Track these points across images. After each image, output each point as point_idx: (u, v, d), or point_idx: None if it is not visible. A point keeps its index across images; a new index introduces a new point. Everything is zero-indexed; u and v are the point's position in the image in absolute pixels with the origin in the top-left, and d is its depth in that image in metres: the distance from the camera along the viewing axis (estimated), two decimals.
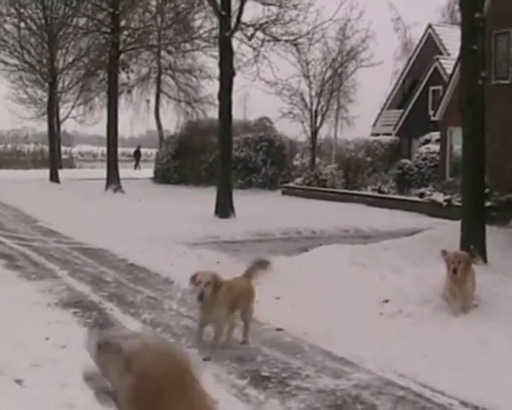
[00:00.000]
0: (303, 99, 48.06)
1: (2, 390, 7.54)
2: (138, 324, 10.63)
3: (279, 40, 27.24)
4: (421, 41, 50.05)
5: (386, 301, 11.37)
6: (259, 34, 26.46)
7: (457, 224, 14.96)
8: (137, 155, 71.91)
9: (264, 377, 8.34)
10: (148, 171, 52.44)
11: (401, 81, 52.25)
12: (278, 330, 10.28)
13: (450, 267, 10.37)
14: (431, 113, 37.57)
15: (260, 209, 26.29)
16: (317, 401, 7.60)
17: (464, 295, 10.56)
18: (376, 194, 32.86)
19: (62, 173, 47.31)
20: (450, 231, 15.82)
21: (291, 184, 39.01)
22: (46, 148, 56.54)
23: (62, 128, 65.93)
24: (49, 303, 11.94)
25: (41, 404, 7.21)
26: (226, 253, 16.72)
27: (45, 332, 9.82)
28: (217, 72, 26.88)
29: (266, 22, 26.25)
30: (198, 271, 9.27)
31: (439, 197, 27.29)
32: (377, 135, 48.91)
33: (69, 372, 8.02)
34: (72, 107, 61.11)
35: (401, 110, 48.29)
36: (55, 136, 49.75)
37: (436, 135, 34.66)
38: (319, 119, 48.18)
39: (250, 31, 26.13)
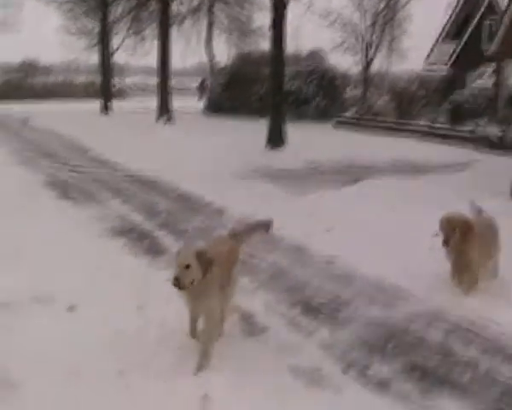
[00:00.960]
0: (355, 31, 47.47)
1: (55, 318, 7.67)
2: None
3: None
4: None
5: (436, 234, 11.29)
6: None
7: (510, 159, 14.75)
8: (202, 87, 72.00)
9: (314, 307, 8.39)
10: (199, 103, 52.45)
11: (455, 13, 51.13)
12: (329, 261, 10.30)
13: (441, 237, 8.70)
14: (485, 45, 36.85)
15: (312, 141, 26.19)
16: (367, 332, 7.63)
17: (466, 272, 8.73)
18: (429, 127, 32.45)
19: (114, 105, 47.52)
20: (502, 166, 15.64)
21: (343, 117, 38.71)
22: (98, 79, 56.63)
23: (114, 59, 65.99)
24: (101, 232, 12.08)
25: (92, 331, 7.32)
26: (278, 184, 16.70)
27: (97, 260, 9.94)
28: (269, 3, 26.50)
29: None
30: (181, 247, 7.50)
31: (493, 131, 26.87)
32: (430, 68, 48.17)
33: (121, 300, 8.18)
34: (124, 38, 60.97)
35: (455, 43, 47.42)
36: (106, 67, 49.88)
37: (490, 68, 34.03)
38: (372, 51, 47.58)
39: None
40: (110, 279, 9.10)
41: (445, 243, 8.64)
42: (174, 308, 7.81)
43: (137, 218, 13.29)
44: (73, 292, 8.40)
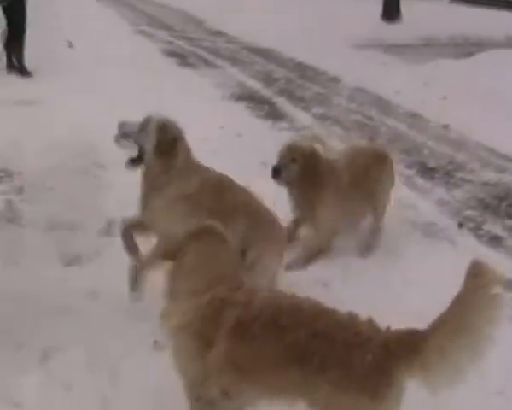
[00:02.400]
0: None
1: None
2: (308, 117, 11.13)
3: None
4: None
5: None
6: None
7: None
8: None
9: (430, 168, 8.72)
10: None
11: None
12: (444, 126, 10.53)
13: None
14: None
15: (427, 15, 25.78)
16: (482, 192, 7.93)
17: (308, 229, 6.41)
18: None
19: None
20: None
21: None
22: None
23: None
24: (222, 97, 12.61)
25: None
26: (392, 54, 16.74)
27: (220, 122, 10.44)
28: None
29: None
30: None
31: None
32: None
33: (244, 156, 8.67)
34: None
35: None
36: None
37: None
38: None
39: None
40: (234, 138, 9.63)
41: (275, 172, 6.09)
42: None
43: (256, 85, 13.72)
44: (195, 148, 8.86)
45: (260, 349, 3.41)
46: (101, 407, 4.12)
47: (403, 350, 3.19)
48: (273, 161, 8.47)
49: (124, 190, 7.41)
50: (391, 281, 5.69)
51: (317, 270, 5.88)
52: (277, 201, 6.13)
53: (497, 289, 3.06)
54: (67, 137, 9.40)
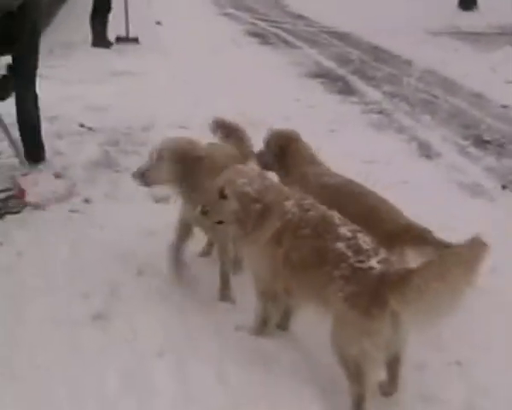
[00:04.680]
0: None
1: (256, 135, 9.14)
2: (378, 93, 12.03)
3: None
4: None
5: None
6: None
7: None
8: None
9: (484, 140, 9.52)
10: None
11: None
12: (503, 106, 11.27)
13: None
14: None
15: (504, 4, 25.84)
16: None
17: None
18: None
19: None
20: None
21: None
22: None
23: None
24: (299, 74, 13.61)
25: None
26: (465, 42, 17.21)
27: (296, 95, 11.46)
28: None
29: None
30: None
31: None
32: None
33: (315, 125, 9.55)
34: None
35: None
36: None
37: None
38: None
39: None
40: (307, 109, 10.60)
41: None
42: (360, 133, 9.23)
43: (331, 64, 14.62)
44: (273, 116, 9.66)
45: (303, 250, 4.02)
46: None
47: (396, 279, 3.62)
48: (341, 129, 9.51)
49: None
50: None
51: None
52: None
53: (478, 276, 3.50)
54: (156, 102, 10.51)
